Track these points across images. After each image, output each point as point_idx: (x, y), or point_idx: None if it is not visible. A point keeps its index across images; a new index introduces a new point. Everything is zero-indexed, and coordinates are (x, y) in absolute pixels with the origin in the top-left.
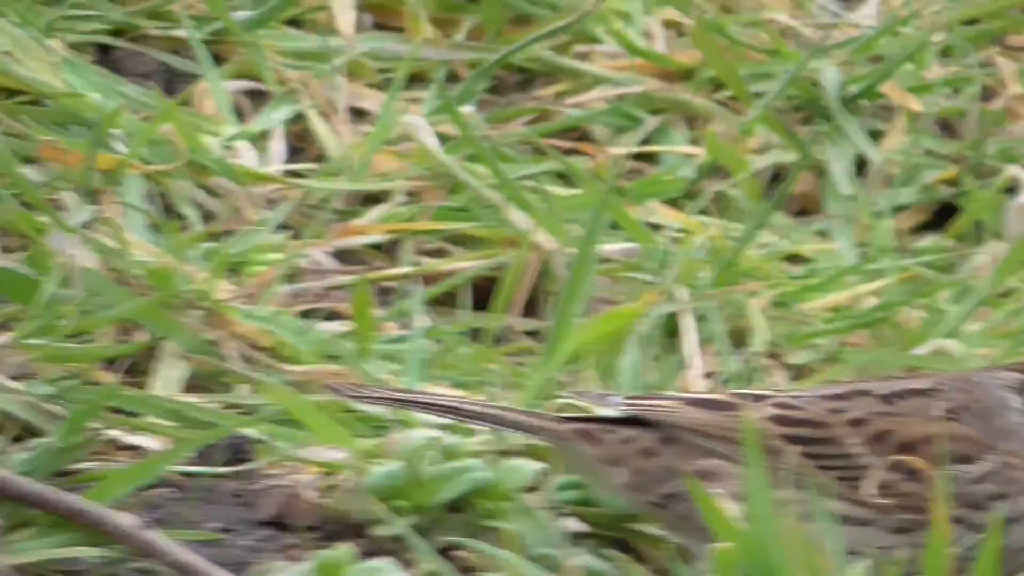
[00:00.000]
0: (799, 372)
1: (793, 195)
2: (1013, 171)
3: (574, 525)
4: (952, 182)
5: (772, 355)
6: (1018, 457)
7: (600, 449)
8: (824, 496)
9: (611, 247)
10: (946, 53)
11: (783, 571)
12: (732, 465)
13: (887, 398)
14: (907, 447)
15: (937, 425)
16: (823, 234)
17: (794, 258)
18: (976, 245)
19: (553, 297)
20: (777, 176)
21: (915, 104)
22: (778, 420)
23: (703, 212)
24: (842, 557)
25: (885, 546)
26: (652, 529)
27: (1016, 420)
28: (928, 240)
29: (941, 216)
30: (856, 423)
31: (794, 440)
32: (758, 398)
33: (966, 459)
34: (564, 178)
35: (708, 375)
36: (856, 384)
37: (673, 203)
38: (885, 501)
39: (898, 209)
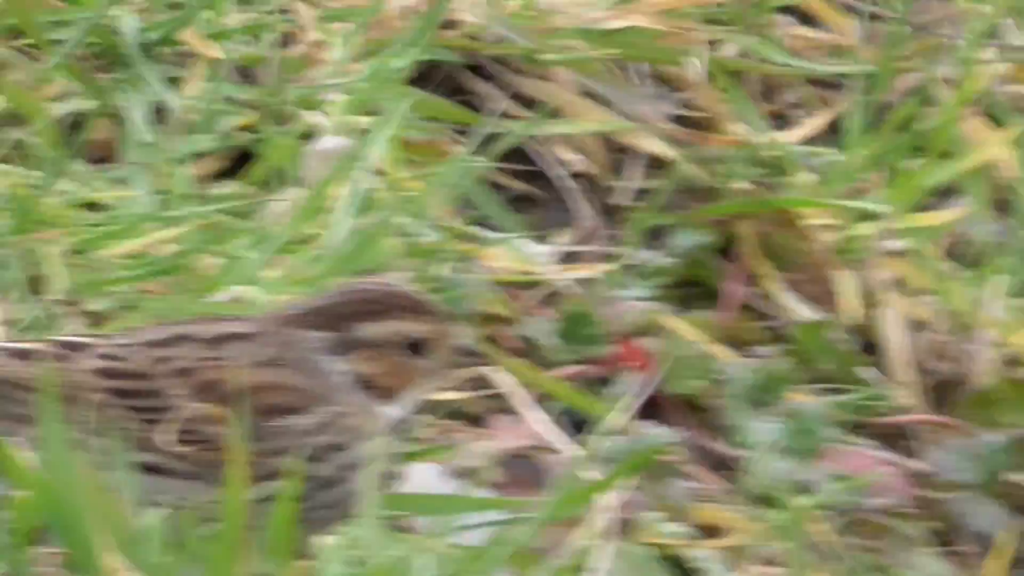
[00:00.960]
0: (97, 319)
1: (92, 142)
2: (310, 117)
3: None
4: (251, 128)
5: (70, 302)
6: (350, 405)
7: None
8: (129, 445)
9: None
10: (244, 0)
11: (79, 518)
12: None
13: (211, 343)
14: (236, 397)
15: (265, 373)
16: (121, 181)
17: (93, 206)
18: (274, 192)
19: None
20: (76, 124)
21: (214, 51)
22: (103, 373)
23: (2, 160)
24: (140, 505)
25: (187, 495)
26: None
27: (337, 378)
28: (227, 187)
29: (239, 163)
30: (183, 372)
31: (119, 393)
32: (78, 347)
33: (297, 410)
34: None
35: (6, 323)
36: (177, 328)
37: None
38: (185, 449)
39: (197, 156)
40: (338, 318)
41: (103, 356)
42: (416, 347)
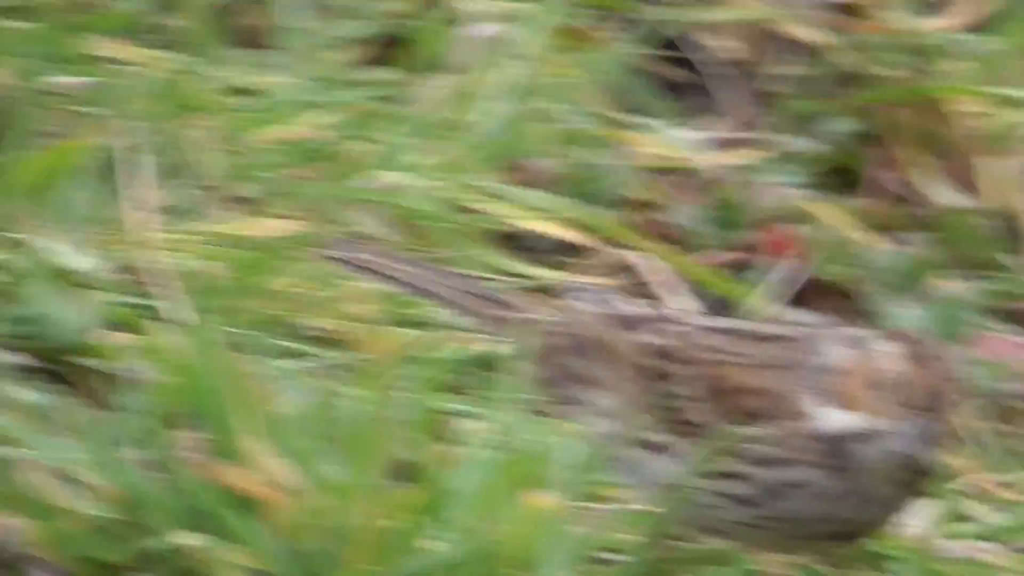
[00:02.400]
0: (247, 205)
1: (243, 28)
2: (463, 3)
3: (19, 359)
4: (403, 15)
5: (219, 187)
6: (800, 420)
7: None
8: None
9: (65, 80)
10: None
11: (221, 403)
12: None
13: (756, 341)
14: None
15: (754, 377)
16: (273, 67)
17: (244, 91)
18: (427, 78)
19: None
20: (227, 9)
21: None
22: (655, 352)
23: (153, 45)
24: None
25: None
26: (93, 363)
27: (818, 366)
28: (379, 73)
29: (392, 49)
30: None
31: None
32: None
33: (758, 416)
34: (17, 11)
35: (161, 208)
36: (739, 323)
37: (124, 36)
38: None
39: (349, 41)
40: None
41: (658, 332)
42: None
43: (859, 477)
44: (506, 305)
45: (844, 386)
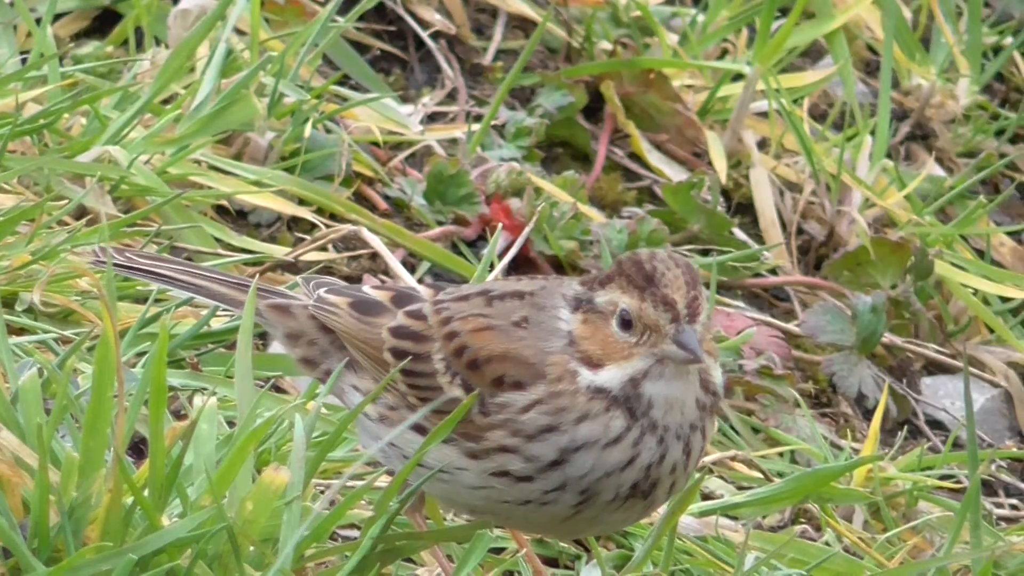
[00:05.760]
0: None
1: None
2: None
3: None
4: None
5: None
6: (564, 381)
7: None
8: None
9: None
10: None
11: None
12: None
13: (491, 299)
14: (474, 364)
15: (503, 342)
16: None
17: None
18: (138, 52)
19: None
20: None
21: None
22: (395, 332)
23: None
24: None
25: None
26: None
27: (560, 339)
28: (90, 47)
29: (103, 22)
30: (450, 336)
31: (397, 354)
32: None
33: (519, 385)
34: None
35: None
36: (488, 284)
37: None
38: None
39: (59, 15)
40: (596, 280)
41: (409, 314)
42: (629, 324)
43: (649, 416)
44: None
45: (590, 339)
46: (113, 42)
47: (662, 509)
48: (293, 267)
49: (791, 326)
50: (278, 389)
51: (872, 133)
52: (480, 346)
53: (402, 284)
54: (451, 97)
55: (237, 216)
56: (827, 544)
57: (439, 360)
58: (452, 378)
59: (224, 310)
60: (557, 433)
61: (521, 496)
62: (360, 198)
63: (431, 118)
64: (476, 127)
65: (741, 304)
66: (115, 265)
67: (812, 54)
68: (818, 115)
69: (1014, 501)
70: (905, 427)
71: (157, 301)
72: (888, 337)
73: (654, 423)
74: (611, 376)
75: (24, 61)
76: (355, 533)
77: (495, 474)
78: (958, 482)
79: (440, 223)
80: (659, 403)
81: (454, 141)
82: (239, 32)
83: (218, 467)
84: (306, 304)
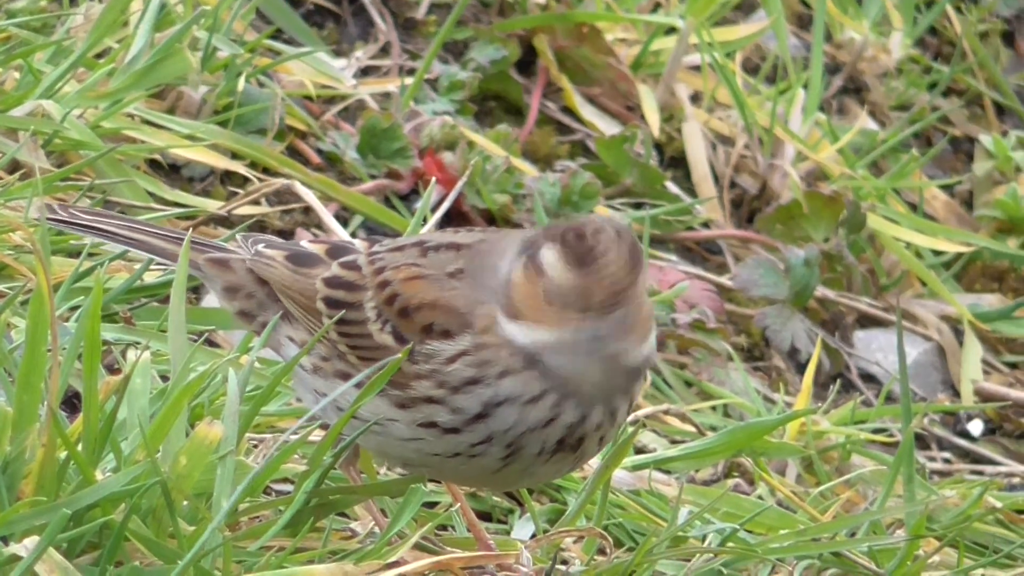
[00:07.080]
0: None
1: None
2: None
3: None
4: None
5: None
6: (489, 333)
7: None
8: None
9: None
10: None
11: None
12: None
13: (426, 250)
14: (405, 312)
15: (434, 291)
16: None
17: None
18: (72, 6)
19: None
20: None
21: None
22: (329, 282)
23: None
24: None
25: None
26: None
27: (492, 292)
28: (24, 1)
29: None
30: (382, 285)
31: (330, 303)
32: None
33: (447, 334)
34: None
35: None
36: (422, 236)
37: None
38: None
39: None
40: (548, 233)
41: (344, 265)
42: (554, 294)
43: (564, 385)
44: (181, 239)
45: (520, 286)
46: None
47: (595, 461)
48: (226, 221)
49: (724, 280)
50: (212, 343)
51: (805, 87)
52: (411, 295)
53: (337, 237)
54: (384, 51)
55: (170, 170)
56: (760, 498)
57: (371, 308)
58: (383, 326)
59: (158, 264)
60: (481, 386)
61: (450, 448)
62: (293, 152)
63: (364, 72)
64: (409, 81)
65: (674, 258)
66: (52, 219)
67: (745, 8)
68: (751, 69)
69: (947, 455)
70: (838, 381)
71: (91, 255)
72: (821, 291)
73: (568, 392)
74: (521, 331)
75: None
76: (289, 487)
77: (423, 425)
78: (891, 436)
79: (373, 177)
80: (570, 376)
81: (387, 95)
82: None
83: (152, 422)
84: (244, 258)
